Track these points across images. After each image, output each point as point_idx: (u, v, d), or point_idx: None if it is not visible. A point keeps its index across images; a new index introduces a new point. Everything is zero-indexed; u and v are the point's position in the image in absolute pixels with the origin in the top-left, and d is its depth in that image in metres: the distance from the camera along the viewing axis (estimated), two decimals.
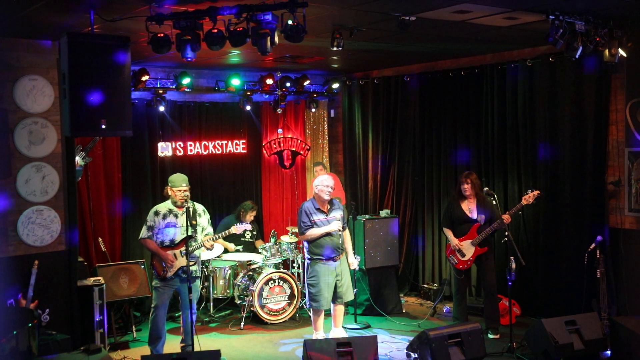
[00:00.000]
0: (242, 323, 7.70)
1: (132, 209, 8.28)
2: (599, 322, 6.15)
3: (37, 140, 6.20)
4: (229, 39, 4.97)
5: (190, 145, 8.93)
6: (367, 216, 8.36)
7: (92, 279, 6.77)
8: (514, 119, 7.78)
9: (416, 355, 5.88)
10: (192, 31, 4.94)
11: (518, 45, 7.59)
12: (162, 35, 5.07)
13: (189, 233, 6.10)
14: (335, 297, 6.68)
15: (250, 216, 8.43)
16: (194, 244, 6.30)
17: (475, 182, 7.10)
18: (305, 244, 6.72)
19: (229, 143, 9.34)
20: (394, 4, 5.35)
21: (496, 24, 6.14)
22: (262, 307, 7.69)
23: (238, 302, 7.96)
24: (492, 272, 7.13)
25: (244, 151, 9.54)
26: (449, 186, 8.51)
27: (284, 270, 7.97)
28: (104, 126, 5.16)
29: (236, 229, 6.89)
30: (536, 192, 6.82)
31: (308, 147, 10.18)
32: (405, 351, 6.29)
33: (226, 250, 8.38)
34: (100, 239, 7.79)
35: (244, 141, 9.52)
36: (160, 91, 8.25)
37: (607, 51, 6.24)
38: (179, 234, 6.31)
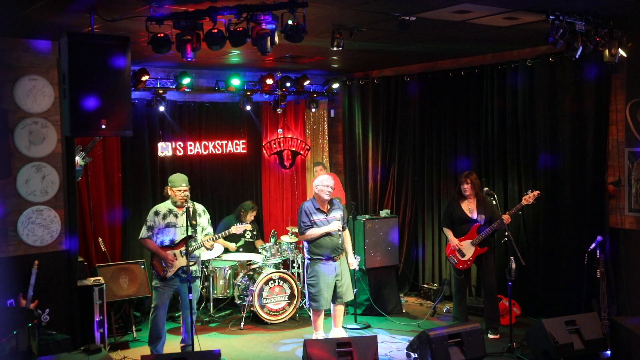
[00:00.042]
0: (242, 323, 7.70)
1: (132, 209, 8.29)
2: (599, 322, 6.15)
3: (37, 140, 6.20)
4: (229, 39, 4.97)
5: (190, 145, 8.93)
6: (367, 216, 8.36)
7: (92, 279, 6.78)
8: (514, 119, 7.77)
9: (416, 355, 5.88)
10: (192, 31, 4.94)
11: (518, 45, 7.59)
12: (162, 35, 5.06)
13: (189, 233, 6.10)
14: (335, 297, 6.68)
15: (251, 216, 8.44)
16: (194, 244, 6.30)
17: (475, 182, 7.09)
18: (305, 244, 6.72)
19: (229, 143, 9.34)
20: (394, 4, 5.34)
21: (496, 24, 6.14)
22: (262, 307, 7.69)
23: (238, 302, 7.96)
24: (492, 272, 7.13)
25: (244, 151, 9.54)
26: (449, 186, 8.50)
27: (284, 270, 7.97)
28: (104, 126, 5.17)
29: (236, 228, 6.90)
30: (536, 192, 6.82)
31: (308, 147, 10.17)
32: (405, 351, 6.28)
33: (227, 250, 8.38)
34: (100, 239, 7.79)
35: (244, 141, 9.52)
36: (160, 91, 8.25)
37: (607, 51, 6.24)
38: (179, 234, 6.31)
